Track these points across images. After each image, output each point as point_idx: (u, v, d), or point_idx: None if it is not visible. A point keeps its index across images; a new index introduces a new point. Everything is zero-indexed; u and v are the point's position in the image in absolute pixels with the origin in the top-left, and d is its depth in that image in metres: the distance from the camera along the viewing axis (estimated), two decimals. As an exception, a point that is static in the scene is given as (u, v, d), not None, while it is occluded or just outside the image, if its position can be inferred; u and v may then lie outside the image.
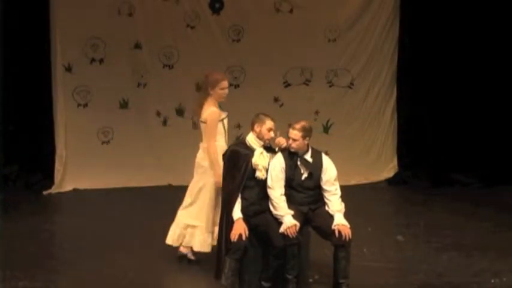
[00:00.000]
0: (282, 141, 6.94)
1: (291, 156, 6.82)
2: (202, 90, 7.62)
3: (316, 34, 11.75)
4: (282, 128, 7.20)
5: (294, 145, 6.77)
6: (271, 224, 6.69)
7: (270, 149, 6.94)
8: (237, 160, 6.80)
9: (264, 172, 6.78)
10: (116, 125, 11.52)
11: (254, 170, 6.78)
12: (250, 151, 6.82)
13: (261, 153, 6.81)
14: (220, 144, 7.42)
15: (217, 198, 7.36)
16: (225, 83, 7.45)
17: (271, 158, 6.87)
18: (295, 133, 6.76)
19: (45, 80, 11.15)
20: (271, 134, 6.86)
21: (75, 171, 11.26)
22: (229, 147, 7.03)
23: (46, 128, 11.27)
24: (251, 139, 6.88)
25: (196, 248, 7.51)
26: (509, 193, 10.82)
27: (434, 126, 11.71)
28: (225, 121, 7.50)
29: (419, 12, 11.50)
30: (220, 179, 7.17)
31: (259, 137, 6.84)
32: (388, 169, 11.97)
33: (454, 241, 8.56)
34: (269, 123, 6.84)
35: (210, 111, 7.40)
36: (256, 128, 6.84)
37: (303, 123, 6.82)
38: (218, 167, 7.25)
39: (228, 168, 6.88)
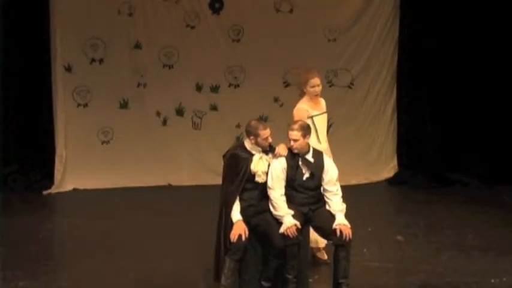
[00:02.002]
0: (282, 151, 6.87)
1: (293, 157, 6.82)
2: (298, 88, 7.61)
3: (316, 34, 11.74)
4: (282, 128, 7.19)
5: (295, 145, 6.77)
6: (271, 224, 6.69)
7: (270, 151, 6.91)
8: (236, 163, 6.78)
9: (263, 176, 6.76)
10: (116, 125, 11.52)
11: (253, 174, 6.76)
12: (250, 155, 6.80)
13: (260, 158, 6.79)
14: (312, 143, 7.31)
15: None
16: (313, 81, 7.44)
17: (272, 158, 6.85)
18: (295, 133, 6.76)
19: (45, 80, 11.15)
20: (269, 140, 6.82)
21: (75, 171, 11.26)
22: (228, 150, 7.01)
23: (46, 128, 11.27)
24: (248, 145, 6.85)
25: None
26: (509, 193, 10.82)
27: (435, 126, 11.70)
28: (317, 118, 7.47)
29: (419, 12, 11.50)
30: None
31: (257, 145, 6.82)
32: (388, 169, 11.96)
33: (454, 241, 8.56)
34: (263, 134, 6.75)
35: (297, 108, 7.50)
36: (252, 140, 6.80)
37: (300, 122, 6.84)
38: None
39: (227, 171, 6.86)
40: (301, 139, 6.77)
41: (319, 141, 7.46)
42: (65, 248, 8.65)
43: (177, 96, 11.65)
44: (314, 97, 7.51)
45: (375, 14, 11.79)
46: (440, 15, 11.41)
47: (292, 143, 6.77)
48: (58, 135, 11.30)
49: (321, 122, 7.54)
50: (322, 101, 7.67)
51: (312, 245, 7.58)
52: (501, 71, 11.39)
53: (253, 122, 6.87)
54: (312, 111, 7.49)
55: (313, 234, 7.28)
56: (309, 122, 7.37)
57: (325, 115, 7.61)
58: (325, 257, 7.68)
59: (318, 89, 7.47)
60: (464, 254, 8.11)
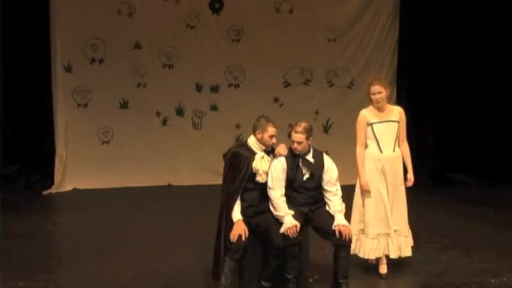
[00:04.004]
0: (282, 151, 6.86)
1: (293, 157, 6.81)
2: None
3: (316, 34, 11.76)
4: (282, 128, 7.18)
5: (299, 147, 6.76)
6: (272, 224, 6.69)
7: (271, 152, 6.91)
8: (237, 162, 6.78)
9: (264, 176, 6.76)
10: (116, 125, 11.53)
11: (254, 173, 6.76)
12: (252, 154, 6.80)
13: (262, 157, 6.78)
14: (371, 151, 7.30)
15: (363, 202, 7.31)
16: (373, 89, 7.25)
17: (272, 160, 6.85)
18: (299, 136, 6.74)
19: (45, 80, 11.15)
20: (274, 140, 6.82)
21: (75, 171, 11.27)
22: (230, 148, 7.00)
23: (46, 128, 11.28)
24: (252, 142, 6.85)
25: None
26: (509, 193, 10.82)
27: (435, 126, 11.70)
28: (376, 126, 7.27)
29: (420, 13, 11.50)
30: (363, 183, 7.26)
31: (261, 142, 6.82)
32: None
33: (454, 241, 8.56)
34: (271, 131, 6.77)
35: (359, 113, 7.40)
36: (258, 134, 6.80)
37: (304, 124, 6.79)
38: (361, 171, 7.28)
39: (228, 170, 6.86)
40: (305, 141, 6.77)
41: (380, 150, 7.29)
42: (65, 248, 8.65)
43: (177, 96, 11.66)
44: (376, 104, 7.29)
45: (375, 14, 11.81)
46: (440, 15, 11.41)
47: (296, 145, 6.75)
48: (58, 135, 11.31)
49: (381, 130, 7.28)
50: (393, 109, 7.36)
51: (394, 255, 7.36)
52: (501, 71, 11.39)
53: (263, 118, 6.90)
54: (372, 118, 7.29)
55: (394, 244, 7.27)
56: (369, 130, 7.29)
57: (391, 124, 7.28)
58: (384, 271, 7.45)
59: (378, 96, 7.23)
60: (464, 254, 8.10)
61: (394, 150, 7.33)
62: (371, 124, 7.28)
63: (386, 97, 7.30)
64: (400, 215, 7.38)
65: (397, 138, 7.35)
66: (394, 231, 7.32)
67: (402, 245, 7.37)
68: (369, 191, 7.26)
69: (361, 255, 7.35)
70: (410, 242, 7.45)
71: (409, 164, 7.43)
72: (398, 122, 7.33)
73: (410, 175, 7.40)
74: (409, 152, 7.44)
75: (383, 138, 7.29)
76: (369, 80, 7.39)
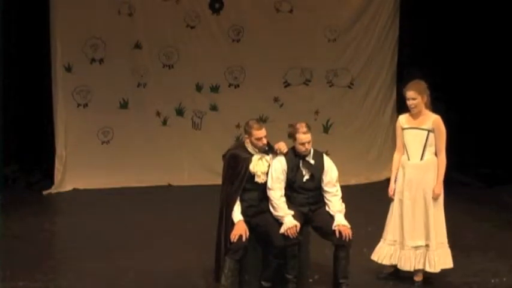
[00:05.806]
0: (282, 147, 6.87)
1: (293, 158, 6.81)
2: None
3: (316, 34, 11.76)
4: (282, 128, 7.18)
5: (310, 145, 6.79)
6: (272, 224, 6.69)
7: (270, 150, 6.90)
8: (236, 163, 6.79)
9: (263, 177, 6.76)
10: (116, 125, 11.53)
11: (253, 174, 6.76)
12: (250, 155, 6.81)
13: (259, 158, 6.79)
14: (403, 158, 7.20)
15: (395, 209, 7.22)
16: (407, 94, 7.12)
17: (272, 159, 6.84)
18: (307, 136, 6.75)
19: (45, 80, 11.15)
20: (264, 141, 6.81)
21: (75, 171, 11.26)
22: (228, 150, 7.01)
23: (46, 128, 11.27)
24: (248, 145, 6.86)
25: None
26: (509, 193, 10.81)
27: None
28: (406, 132, 7.19)
29: (419, 13, 11.50)
30: (389, 189, 7.22)
31: (253, 145, 6.83)
32: (388, 169, 11.81)
33: (454, 241, 8.54)
34: (256, 134, 6.75)
35: None
36: (246, 139, 6.83)
37: (304, 124, 6.81)
38: (391, 177, 7.27)
39: (227, 171, 6.87)
40: (310, 138, 6.80)
41: (408, 157, 7.19)
42: (65, 248, 8.64)
43: (177, 96, 11.66)
44: (411, 110, 7.15)
45: (375, 14, 11.81)
46: (440, 15, 11.41)
47: (307, 145, 6.76)
48: (58, 135, 11.30)
49: (409, 137, 7.19)
50: (429, 118, 7.17)
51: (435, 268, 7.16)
52: (502, 71, 11.39)
53: (251, 121, 6.90)
54: (404, 123, 7.22)
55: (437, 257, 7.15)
56: (401, 135, 7.24)
57: (419, 132, 7.15)
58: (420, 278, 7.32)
59: (412, 102, 7.08)
60: (464, 254, 8.10)
61: (421, 159, 7.19)
62: (403, 129, 7.22)
63: (421, 103, 7.13)
64: (428, 228, 7.27)
65: (426, 146, 7.19)
66: (426, 245, 7.19)
67: (435, 259, 7.19)
68: (392, 198, 7.22)
69: (375, 258, 7.30)
70: (438, 255, 7.24)
71: (439, 177, 7.24)
72: (429, 131, 7.18)
73: (435, 187, 7.23)
74: (444, 165, 7.28)
75: (410, 145, 7.20)
76: (404, 87, 7.23)
